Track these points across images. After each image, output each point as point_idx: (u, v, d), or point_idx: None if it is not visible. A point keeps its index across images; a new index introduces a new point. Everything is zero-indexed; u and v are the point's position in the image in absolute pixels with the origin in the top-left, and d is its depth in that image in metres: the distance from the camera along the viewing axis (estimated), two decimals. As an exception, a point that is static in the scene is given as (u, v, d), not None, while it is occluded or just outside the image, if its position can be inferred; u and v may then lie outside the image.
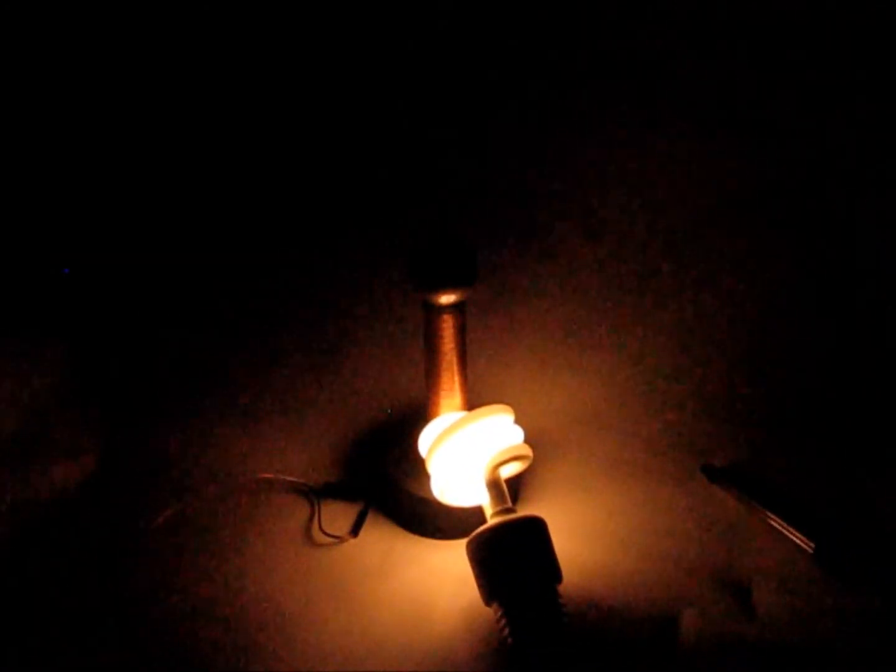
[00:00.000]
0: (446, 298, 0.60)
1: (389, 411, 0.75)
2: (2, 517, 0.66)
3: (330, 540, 0.65)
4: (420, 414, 0.67)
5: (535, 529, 0.58)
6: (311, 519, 0.66)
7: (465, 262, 0.61)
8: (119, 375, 0.78)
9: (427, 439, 0.64)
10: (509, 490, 0.60)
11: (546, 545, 0.58)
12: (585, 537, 0.64)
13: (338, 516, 0.66)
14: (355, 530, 0.65)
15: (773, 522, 0.64)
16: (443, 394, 0.65)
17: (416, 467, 0.65)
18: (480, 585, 0.57)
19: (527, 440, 0.63)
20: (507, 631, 0.55)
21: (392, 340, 0.80)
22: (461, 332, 0.63)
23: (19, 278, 0.85)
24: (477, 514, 0.61)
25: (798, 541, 0.63)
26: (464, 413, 0.64)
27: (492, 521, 0.58)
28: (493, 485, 0.60)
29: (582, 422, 0.73)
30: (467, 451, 0.61)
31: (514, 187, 0.93)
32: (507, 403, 0.63)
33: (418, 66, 0.95)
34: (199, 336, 0.82)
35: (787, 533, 0.63)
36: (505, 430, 0.62)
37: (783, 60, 0.92)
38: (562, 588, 0.57)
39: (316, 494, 0.68)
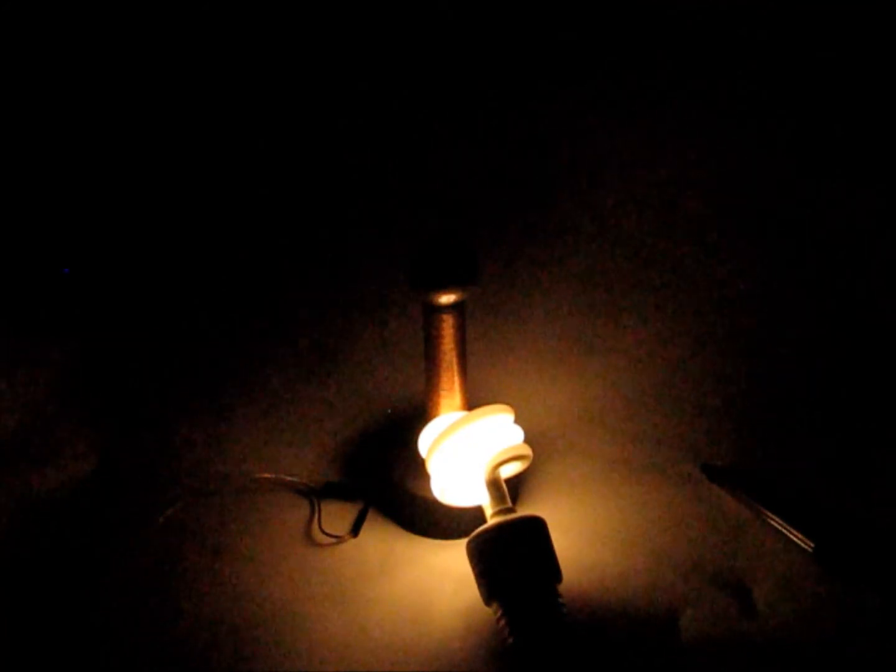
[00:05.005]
0: (446, 298, 0.60)
1: (390, 411, 0.75)
2: (2, 517, 0.66)
3: (330, 540, 0.65)
4: (420, 414, 0.67)
5: (535, 529, 0.58)
6: (311, 519, 0.66)
7: (465, 262, 0.61)
8: (119, 375, 0.78)
9: (427, 439, 0.64)
10: (509, 490, 0.61)
11: (546, 545, 0.58)
12: (585, 537, 0.64)
13: (338, 516, 0.66)
14: (355, 530, 0.65)
15: (773, 522, 0.64)
16: (443, 394, 0.65)
17: (416, 467, 0.65)
18: (480, 585, 0.57)
19: (527, 440, 0.63)
20: (507, 631, 0.55)
21: (392, 340, 0.80)
22: (461, 332, 0.63)
23: (20, 278, 0.85)
24: (477, 514, 0.61)
25: (798, 540, 0.63)
26: (464, 413, 0.64)
27: (492, 521, 0.58)
28: (493, 485, 0.60)
29: (582, 421, 0.73)
30: (467, 450, 0.61)
31: (514, 187, 0.93)
32: (507, 403, 0.63)
33: (417, 66, 0.95)
34: (199, 336, 0.82)
35: (786, 533, 0.63)
36: (505, 430, 0.62)
37: (784, 57, 0.92)
38: (562, 588, 0.57)
39: (316, 494, 0.68)
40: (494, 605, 0.56)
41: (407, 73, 0.95)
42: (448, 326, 0.62)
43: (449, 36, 0.96)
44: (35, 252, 0.87)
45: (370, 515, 0.67)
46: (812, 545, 0.62)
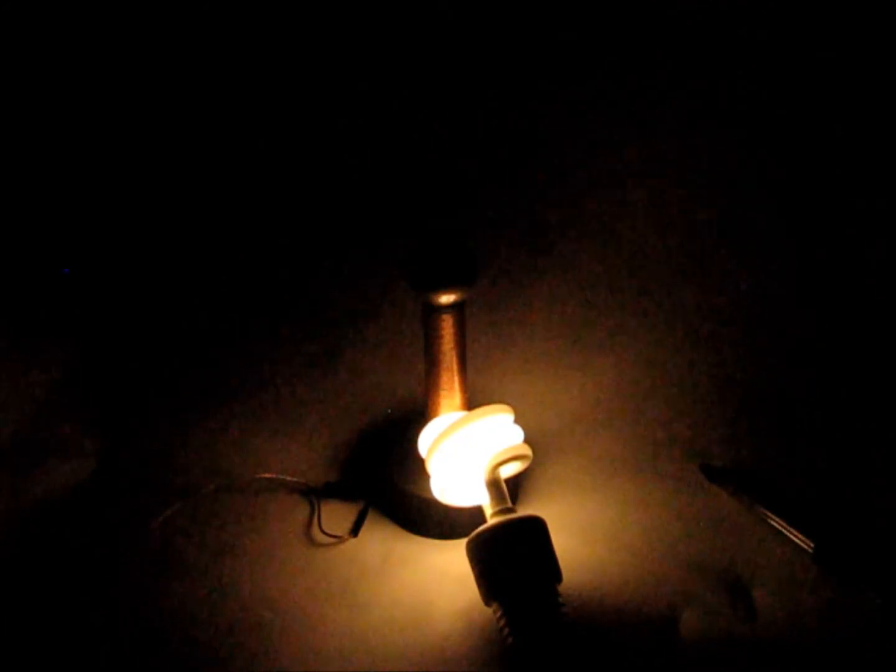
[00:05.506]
0: (446, 298, 0.60)
1: (389, 411, 0.75)
2: (2, 517, 0.66)
3: (330, 540, 0.65)
4: (420, 414, 0.67)
5: (535, 529, 0.58)
6: (311, 519, 0.66)
7: (465, 262, 0.61)
8: (120, 376, 0.78)
9: (427, 439, 0.64)
10: (509, 490, 0.61)
11: (546, 545, 0.58)
12: (585, 537, 0.64)
13: (338, 516, 0.66)
14: (355, 530, 0.65)
15: (772, 522, 0.64)
16: (443, 394, 0.65)
17: (416, 467, 0.65)
18: (480, 585, 0.57)
19: (527, 440, 0.63)
20: (507, 631, 0.55)
21: (392, 340, 0.80)
22: (461, 332, 0.63)
23: (20, 278, 0.85)
24: (477, 514, 0.61)
25: (798, 540, 0.63)
26: (464, 413, 0.64)
27: (491, 521, 0.58)
28: (493, 485, 0.60)
29: (582, 421, 0.73)
30: (467, 450, 0.61)
31: (514, 187, 0.93)
32: (507, 403, 0.63)
33: (417, 66, 0.95)
34: (199, 336, 0.82)
35: (786, 533, 0.63)
36: (505, 430, 0.62)
37: (784, 57, 0.92)
38: (562, 588, 0.57)
39: (316, 494, 0.68)
40: (494, 606, 0.56)
41: (407, 73, 0.95)
42: (448, 326, 0.62)
43: (449, 36, 0.96)
44: (35, 252, 0.87)
45: (370, 515, 0.67)
46: (812, 545, 0.62)
